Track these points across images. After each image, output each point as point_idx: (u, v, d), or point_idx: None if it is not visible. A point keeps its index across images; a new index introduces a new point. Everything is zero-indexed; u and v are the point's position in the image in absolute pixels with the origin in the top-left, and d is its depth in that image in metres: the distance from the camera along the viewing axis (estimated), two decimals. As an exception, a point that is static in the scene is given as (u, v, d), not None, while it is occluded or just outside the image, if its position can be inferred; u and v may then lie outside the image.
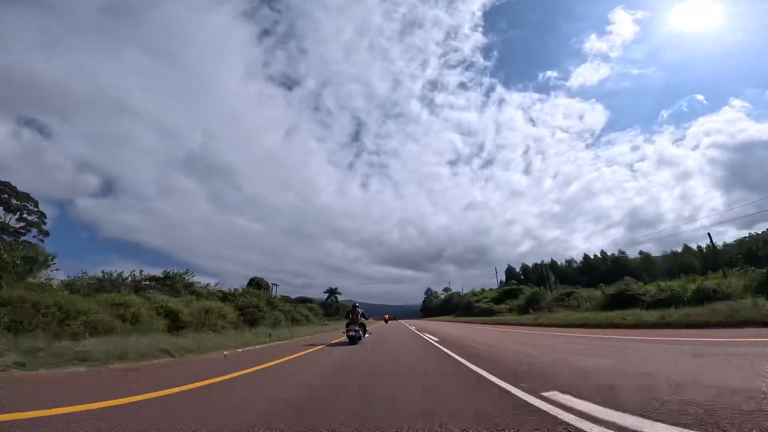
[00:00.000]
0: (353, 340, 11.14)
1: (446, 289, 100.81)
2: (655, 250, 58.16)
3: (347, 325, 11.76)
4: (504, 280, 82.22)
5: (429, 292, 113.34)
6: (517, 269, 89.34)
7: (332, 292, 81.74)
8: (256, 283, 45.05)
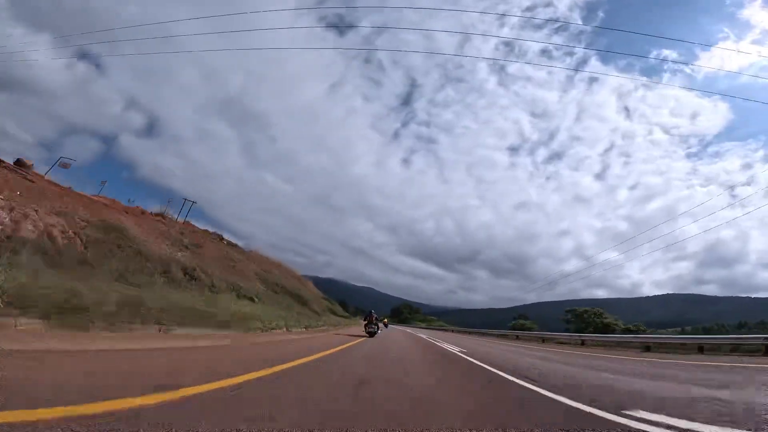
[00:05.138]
0: (372, 335, 17.12)
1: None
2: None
3: (366, 325, 17.96)
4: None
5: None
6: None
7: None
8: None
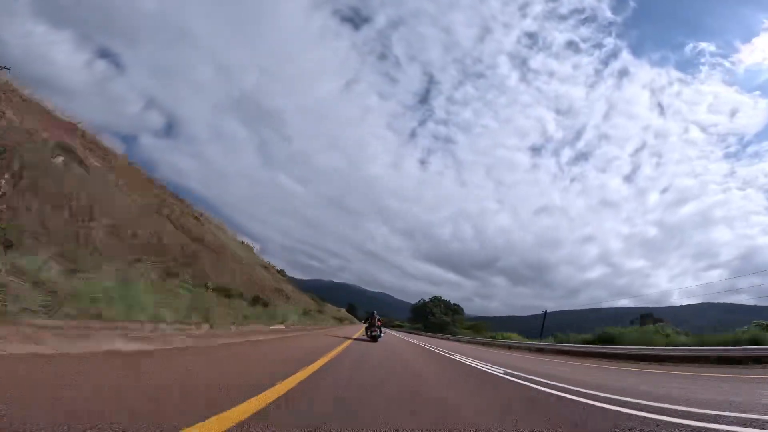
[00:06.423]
0: (375, 339, 15.51)
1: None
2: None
3: (367, 328, 16.36)
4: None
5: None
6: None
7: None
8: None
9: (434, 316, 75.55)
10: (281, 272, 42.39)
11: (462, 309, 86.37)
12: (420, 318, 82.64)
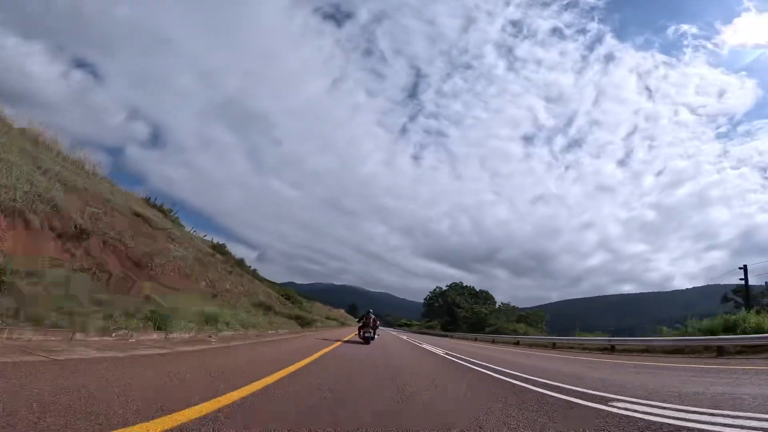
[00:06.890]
0: (367, 341, 14.71)
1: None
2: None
3: (360, 328, 15.38)
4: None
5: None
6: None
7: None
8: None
9: (460, 308, 54.72)
10: (217, 246, 26.23)
11: (492, 296, 64.58)
12: (438, 313, 63.11)
